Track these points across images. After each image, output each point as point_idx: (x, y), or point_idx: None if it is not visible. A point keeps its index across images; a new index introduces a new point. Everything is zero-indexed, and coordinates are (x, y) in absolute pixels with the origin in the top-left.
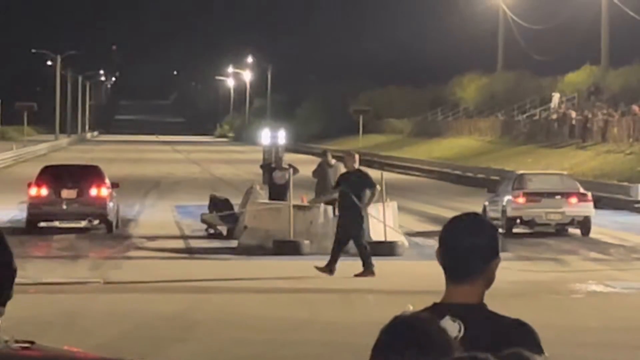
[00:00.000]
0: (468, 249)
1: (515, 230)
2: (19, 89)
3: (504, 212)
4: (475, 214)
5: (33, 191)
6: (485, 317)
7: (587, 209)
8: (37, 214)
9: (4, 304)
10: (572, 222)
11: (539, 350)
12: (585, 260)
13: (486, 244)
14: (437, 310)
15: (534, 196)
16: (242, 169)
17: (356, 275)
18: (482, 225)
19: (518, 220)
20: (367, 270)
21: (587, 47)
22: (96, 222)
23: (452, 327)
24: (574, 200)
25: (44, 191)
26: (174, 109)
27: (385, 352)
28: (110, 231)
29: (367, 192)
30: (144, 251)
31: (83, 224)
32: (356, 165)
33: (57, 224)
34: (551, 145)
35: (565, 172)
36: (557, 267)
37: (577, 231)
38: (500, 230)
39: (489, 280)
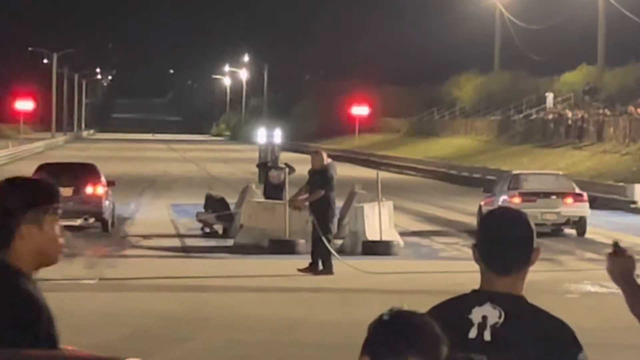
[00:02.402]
0: (514, 241)
1: None
2: (15, 87)
3: None
4: (512, 209)
5: None
6: (526, 309)
7: (583, 209)
8: None
9: None
10: (568, 223)
11: (579, 349)
12: (581, 260)
13: (529, 236)
14: (476, 296)
15: (530, 196)
16: (238, 168)
17: (300, 270)
18: (523, 218)
19: None
20: (312, 267)
21: (583, 47)
22: (92, 220)
23: (492, 313)
24: (569, 200)
25: None
26: (171, 107)
27: (373, 347)
28: (106, 230)
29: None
30: (139, 250)
31: (79, 222)
32: (325, 163)
33: None
34: (547, 145)
35: (560, 172)
36: (553, 267)
37: (573, 231)
38: None
39: (527, 272)
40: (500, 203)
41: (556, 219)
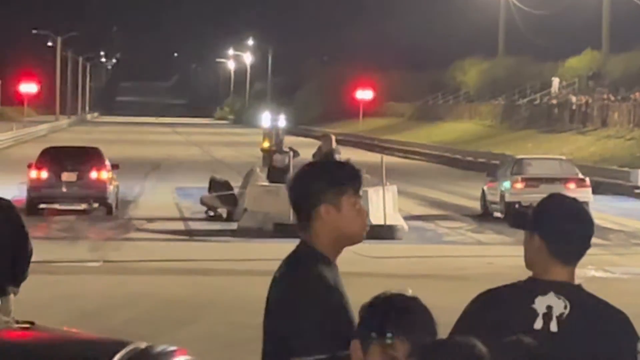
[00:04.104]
0: (584, 233)
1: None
2: (19, 69)
3: (502, 196)
4: (573, 198)
5: (33, 174)
6: (588, 299)
7: (586, 194)
8: (37, 196)
9: (18, 285)
10: None
11: (638, 338)
12: None
13: (593, 225)
14: (537, 285)
15: (533, 181)
16: (242, 152)
17: None
18: (587, 211)
19: (517, 205)
20: None
21: (588, 32)
22: (96, 205)
23: (557, 303)
24: (572, 186)
25: (44, 174)
26: (175, 91)
27: (362, 331)
28: (110, 213)
29: None
30: (143, 233)
31: (83, 206)
32: (333, 147)
33: (57, 206)
34: (551, 130)
35: (564, 157)
36: None
37: None
38: (499, 214)
39: None
40: (503, 188)
41: None
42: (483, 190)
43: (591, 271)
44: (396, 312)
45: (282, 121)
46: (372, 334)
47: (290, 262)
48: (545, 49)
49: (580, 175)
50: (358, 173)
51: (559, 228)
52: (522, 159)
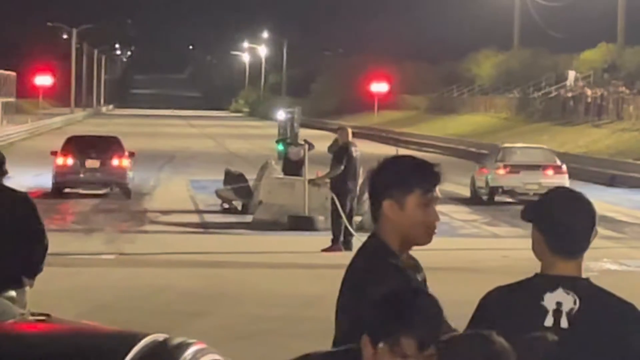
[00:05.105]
0: (583, 225)
1: (497, 198)
2: (34, 62)
3: (487, 182)
4: (575, 191)
5: (59, 160)
6: (597, 293)
7: (563, 180)
8: (62, 181)
9: (33, 278)
10: None
11: None
12: (600, 238)
13: (593, 218)
14: (545, 281)
15: (515, 168)
16: (256, 144)
17: (323, 250)
18: (588, 201)
19: (500, 190)
20: (334, 244)
21: (603, 24)
22: (117, 189)
23: (567, 299)
24: (550, 172)
25: (70, 160)
26: (190, 83)
27: (370, 327)
28: (128, 197)
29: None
30: (158, 225)
31: (104, 191)
32: (348, 139)
33: (80, 190)
34: (566, 123)
35: (545, 146)
36: None
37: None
38: (484, 198)
39: None
40: (488, 174)
41: (537, 189)
42: (472, 177)
43: (606, 264)
44: (404, 309)
45: (297, 114)
46: (380, 330)
47: (359, 254)
48: (560, 41)
49: (558, 163)
50: (433, 174)
51: (554, 220)
52: (507, 147)
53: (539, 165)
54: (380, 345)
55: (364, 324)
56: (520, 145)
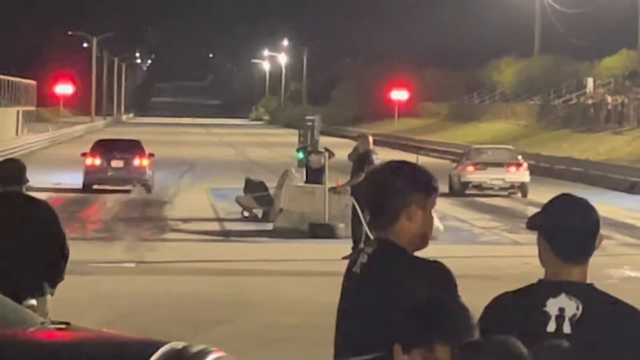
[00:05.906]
0: (586, 230)
1: (467, 192)
2: (55, 71)
3: (458, 178)
4: (578, 197)
5: (89, 161)
6: (602, 298)
7: (523, 176)
8: (91, 179)
9: (55, 286)
10: (512, 187)
11: None
12: (621, 245)
13: (597, 223)
14: (548, 287)
15: (482, 165)
16: (277, 152)
17: (344, 258)
18: (589, 206)
19: (470, 185)
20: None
21: (624, 31)
22: (138, 185)
23: (570, 304)
24: (512, 169)
25: (97, 161)
26: (210, 91)
27: (403, 335)
28: (149, 192)
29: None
30: (179, 233)
31: (128, 187)
32: (370, 147)
33: (107, 186)
34: (587, 130)
35: (511, 147)
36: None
37: (613, 216)
38: (456, 190)
39: None
40: (458, 172)
41: (502, 184)
42: (450, 176)
43: (627, 271)
44: (437, 316)
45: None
46: (413, 338)
47: (375, 258)
48: (580, 48)
49: (520, 160)
50: (434, 179)
51: (557, 227)
52: (477, 148)
53: (503, 163)
54: (414, 352)
55: (394, 331)
56: (487, 146)
